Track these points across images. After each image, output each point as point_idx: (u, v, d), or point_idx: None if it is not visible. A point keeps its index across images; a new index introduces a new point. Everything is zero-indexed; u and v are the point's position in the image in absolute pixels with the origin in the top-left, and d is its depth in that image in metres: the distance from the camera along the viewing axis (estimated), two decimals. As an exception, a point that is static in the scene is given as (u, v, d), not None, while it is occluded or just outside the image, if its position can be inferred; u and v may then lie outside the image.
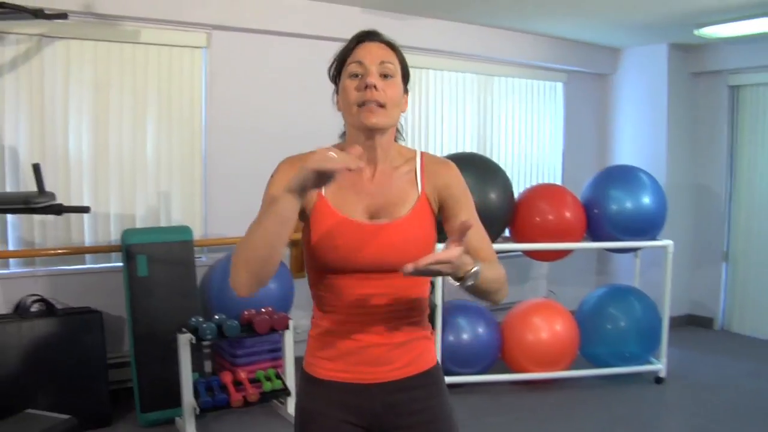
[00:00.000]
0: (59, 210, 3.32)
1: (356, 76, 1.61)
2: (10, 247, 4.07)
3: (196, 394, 3.84)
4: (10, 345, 3.71)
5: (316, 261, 1.64)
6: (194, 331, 3.80)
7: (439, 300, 4.37)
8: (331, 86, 1.72)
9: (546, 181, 6.33)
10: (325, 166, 1.39)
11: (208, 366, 4.55)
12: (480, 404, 4.44)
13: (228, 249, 4.65)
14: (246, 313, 3.99)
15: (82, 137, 4.24)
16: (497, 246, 4.73)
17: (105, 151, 4.32)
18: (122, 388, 4.23)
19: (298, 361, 4.05)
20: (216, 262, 4.58)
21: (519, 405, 4.46)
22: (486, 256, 1.65)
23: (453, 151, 5.62)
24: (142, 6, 4.25)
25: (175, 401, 3.91)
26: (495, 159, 5.80)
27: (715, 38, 5.55)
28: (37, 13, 3.50)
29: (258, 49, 4.78)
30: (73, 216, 4.18)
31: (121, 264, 4.14)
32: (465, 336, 4.57)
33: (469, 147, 5.89)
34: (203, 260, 4.67)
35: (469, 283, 1.50)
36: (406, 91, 1.71)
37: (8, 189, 4.01)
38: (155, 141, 4.49)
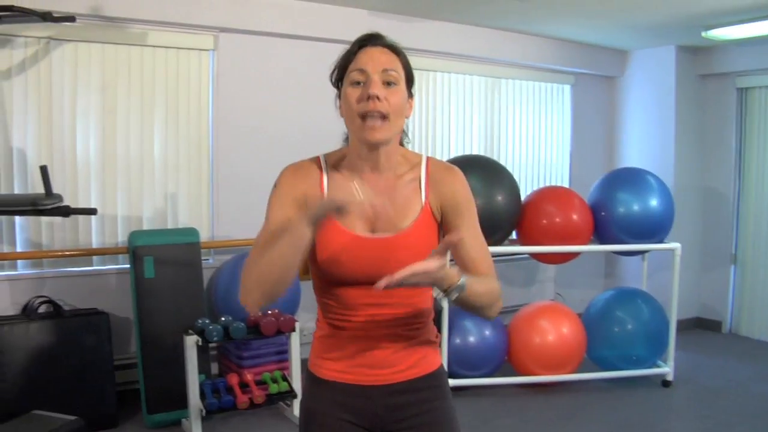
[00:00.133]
0: (66, 212, 3.33)
1: (358, 84, 1.58)
2: (18, 249, 4.09)
3: (203, 395, 3.84)
4: (17, 346, 3.72)
5: (319, 272, 1.65)
6: (201, 332, 3.80)
7: (445, 303, 4.36)
8: None
9: (553, 184, 6.32)
10: (351, 203, 1.39)
11: (214, 368, 4.56)
12: (487, 407, 4.43)
13: (235, 251, 4.65)
14: (252, 315, 4.00)
15: (90, 139, 4.26)
16: (504, 249, 4.77)
17: (112, 153, 4.33)
18: (129, 390, 4.24)
19: (305, 363, 4.04)
20: (223, 264, 4.59)
21: (526, 408, 4.45)
22: (482, 269, 1.64)
23: (460, 154, 5.62)
24: (149, 9, 4.26)
25: (182, 403, 3.91)
26: (502, 161, 5.81)
27: (723, 40, 5.52)
28: (45, 16, 3.52)
29: (265, 51, 4.79)
30: (81, 218, 4.20)
31: (128, 266, 4.15)
32: (471, 339, 4.56)
33: (476, 149, 5.88)
34: (210, 262, 4.68)
35: (454, 296, 1.48)
36: (411, 95, 1.67)
37: (16, 191, 4.03)
38: (162, 143, 4.50)
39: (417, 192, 1.65)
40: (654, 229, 4.76)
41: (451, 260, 1.65)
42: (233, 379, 4.00)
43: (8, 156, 4.02)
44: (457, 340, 4.53)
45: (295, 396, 4.08)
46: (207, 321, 3.88)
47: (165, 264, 4.11)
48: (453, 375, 4.40)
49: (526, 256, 5.27)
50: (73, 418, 3.11)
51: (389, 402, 1.68)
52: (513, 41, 5.76)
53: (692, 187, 6.35)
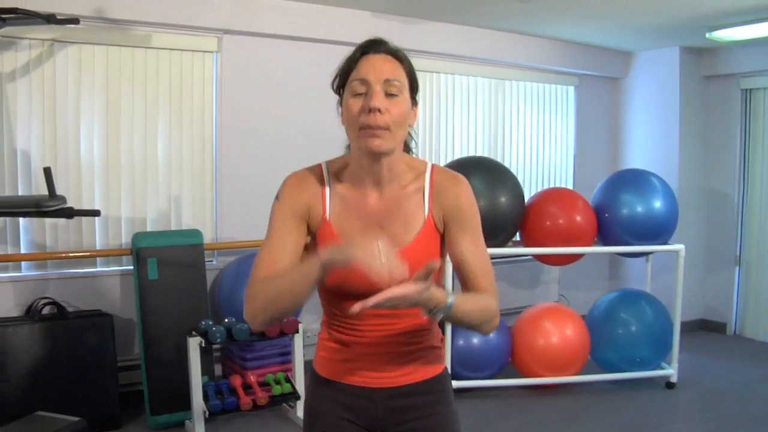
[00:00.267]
0: (70, 213, 3.33)
1: (360, 94, 1.53)
2: (22, 250, 4.10)
3: (206, 397, 3.85)
4: (21, 347, 3.73)
5: (323, 284, 1.62)
6: (204, 334, 3.81)
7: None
8: None
9: (557, 185, 6.32)
10: (370, 266, 1.34)
11: (218, 369, 4.56)
12: (490, 409, 4.43)
13: (238, 253, 4.66)
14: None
15: (94, 141, 4.27)
16: (508, 250, 4.76)
17: (116, 154, 4.34)
18: (132, 391, 4.24)
19: (308, 364, 4.06)
20: (226, 265, 4.59)
21: (529, 410, 4.44)
22: (482, 283, 1.61)
23: (463, 155, 5.62)
24: (153, 11, 4.27)
25: (185, 404, 3.92)
26: (506, 163, 5.82)
27: (727, 41, 5.51)
28: (49, 19, 3.52)
29: (269, 53, 4.79)
30: (85, 219, 4.20)
31: (131, 267, 4.16)
32: (475, 340, 4.55)
33: (480, 151, 5.88)
34: (213, 264, 4.68)
35: (439, 316, 1.45)
36: (415, 103, 1.63)
37: (21, 192, 4.05)
38: (166, 145, 4.51)
39: (420, 204, 1.63)
40: (658, 230, 4.75)
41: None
42: (236, 381, 4.01)
43: (12, 157, 4.03)
44: (461, 342, 4.52)
45: (298, 397, 4.08)
46: (210, 322, 3.88)
47: (168, 265, 4.11)
48: (456, 377, 4.39)
49: (530, 257, 5.26)
50: (76, 419, 3.11)
51: (391, 404, 1.68)
52: (516, 43, 5.75)
53: (697, 188, 6.34)
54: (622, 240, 4.76)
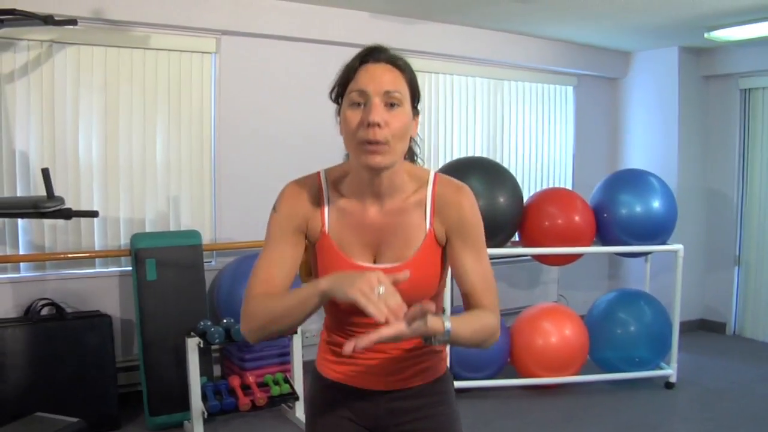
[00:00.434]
0: (68, 214, 3.33)
1: (358, 105, 1.47)
2: (21, 251, 4.11)
3: (205, 397, 3.84)
4: (20, 348, 3.73)
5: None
6: (203, 335, 3.81)
7: (448, 305, 4.36)
8: None
9: (557, 185, 6.32)
10: (366, 306, 1.29)
11: (216, 370, 4.56)
12: (489, 409, 4.43)
13: (237, 253, 4.66)
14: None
15: (92, 142, 4.27)
16: (507, 250, 4.75)
17: (115, 155, 4.35)
18: (131, 392, 4.25)
19: (306, 365, 4.08)
20: (225, 266, 4.59)
21: (528, 410, 4.44)
22: (482, 297, 1.58)
23: (462, 156, 5.62)
24: (151, 12, 4.27)
25: (184, 405, 3.92)
26: (505, 163, 5.82)
27: (726, 41, 5.51)
28: (47, 20, 3.53)
29: (267, 53, 4.79)
30: (83, 220, 4.21)
31: (130, 268, 4.16)
32: (474, 341, 4.54)
33: (479, 151, 5.88)
34: (212, 264, 4.69)
35: (436, 344, 1.41)
36: (416, 112, 1.58)
37: (19, 193, 4.05)
38: (165, 146, 4.51)
39: (422, 218, 1.58)
40: (657, 230, 4.75)
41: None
42: (235, 381, 4.01)
43: (11, 159, 4.03)
44: (460, 342, 4.51)
45: (297, 398, 4.08)
46: (209, 323, 3.89)
47: (167, 266, 4.12)
48: (455, 377, 4.33)
49: (529, 257, 5.26)
50: (75, 420, 3.12)
51: (392, 406, 1.68)
52: (515, 43, 5.76)
53: (696, 188, 6.34)
54: (621, 240, 4.76)
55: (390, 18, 5.04)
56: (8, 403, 3.61)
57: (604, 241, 4.87)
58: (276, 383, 4.10)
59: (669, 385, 4.78)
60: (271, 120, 4.83)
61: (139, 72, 4.39)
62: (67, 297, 4.13)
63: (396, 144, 1.48)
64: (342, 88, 1.52)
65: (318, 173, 1.64)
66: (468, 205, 1.59)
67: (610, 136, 6.75)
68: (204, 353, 3.98)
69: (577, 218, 4.67)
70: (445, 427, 1.71)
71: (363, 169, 1.51)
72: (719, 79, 6.27)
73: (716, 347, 5.93)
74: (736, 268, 6.30)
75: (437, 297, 1.67)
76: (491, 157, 5.81)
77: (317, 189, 1.61)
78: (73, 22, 3.77)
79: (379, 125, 1.44)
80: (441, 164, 5.18)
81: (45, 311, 3.97)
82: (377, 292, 1.31)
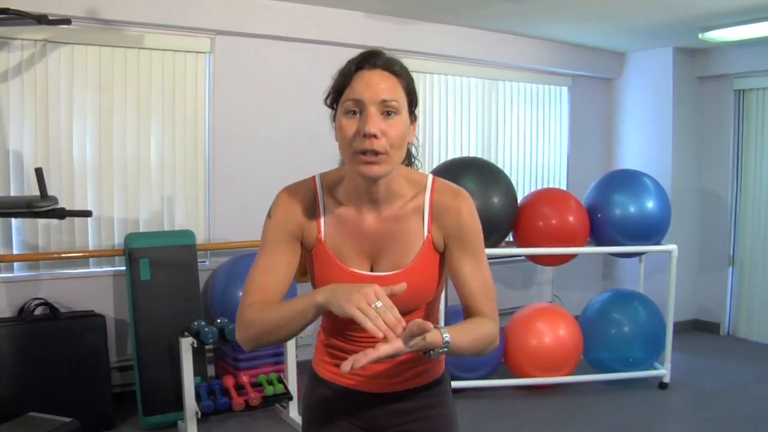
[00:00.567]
0: (62, 214, 3.33)
1: (354, 113, 1.44)
2: (15, 251, 4.09)
3: (198, 397, 3.84)
4: (13, 348, 3.73)
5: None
6: (196, 334, 3.81)
7: (441, 305, 4.36)
8: None
9: (551, 186, 6.33)
10: (364, 323, 1.28)
11: (210, 370, 4.55)
12: (483, 409, 4.43)
13: (231, 253, 4.65)
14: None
15: (86, 142, 4.26)
16: (501, 251, 4.76)
17: (109, 155, 4.34)
18: (125, 392, 4.25)
19: (301, 365, 4.08)
20: (219, 266, 4.58)
21: (522, 410, 4.45)
22: (481, 304, 1.56)
23: (457, 156, 5.62)
24: (145, 11, 4.26)
25: (178, 405, 3.92)
26: (500, 163, 5.82)
27: (720, 42, 5.53)
28: (41, 19, 3.52)
29: (262, 53, 4.79)
30: (77, 220, 4.20)
31: (124, 268, 4.15)
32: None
33: (473, 151, 5.88)
34: (206, 264, 4.68)
35: (436, 356, 1.39)
36: (414, 118, 1.55)
37: (13, 193, 4.04)
38: (159, 145, 4.51)
39: (419, 224, 1.56)
40: (651, 230, 4.76)
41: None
42: (229, 381, 4.00)
43: (5, 158, 4.02)
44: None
45: (290, 398, 4.08)
46: (203, 323, 3.89)
47: (161, 266, 4.11)
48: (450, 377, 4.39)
49: (523, 258, 5.27)
50: (69, 420, 3.13)
51: (389, 408, 1.68)
52: (510, 43, 5.76)
53: (690, 188, 6.35)
54: (615, 240, 4.77)
55: (384, 18, 5.04)
56: (2, 403, 3.60)
57: (599, 242, 4.87)
58: (270, 383, 4.10)
59: (663, 386, 4.79)
60: (265, 120, 4.83)
61: (134, 72, 4.38)
62: (61, 297, 4.12)
63: (393, 153, 1.45)
64: (337, 94, 1.49)
65: (313, 178, 1.62)
66: (467, 210, 1.57)
67: (605, 137, 6.76)
68: (198, 353, 3.98)
69: (571, 218, 4.68)
70: (443, 429, 1.70)
71: (359, 178, 1.48)
72: (713, 79, 6.28)
73: (710, 347, 5.95)
74: (730, 268, 6.32)
75: (434, 302, 1.67)
76: (486, 157, 5.82)
77: (312, 195, 1.59)
78: (66, 21, 3.77)
79: (375, 136, 1.41)
80: (435, 164, 5.19)
81: (39, 311, 3.96)
82: (375, 307, 1.29)
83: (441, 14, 5.13)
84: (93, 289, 4.26)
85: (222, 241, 4.69)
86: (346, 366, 1.27)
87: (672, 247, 4.73)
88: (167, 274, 4.14)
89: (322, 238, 1.57)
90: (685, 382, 4.90)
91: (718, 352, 5.82)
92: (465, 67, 5.75)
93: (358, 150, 1.42)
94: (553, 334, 4.63)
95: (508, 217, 4.62)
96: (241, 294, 1.59)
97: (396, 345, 1.29)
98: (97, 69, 4.26)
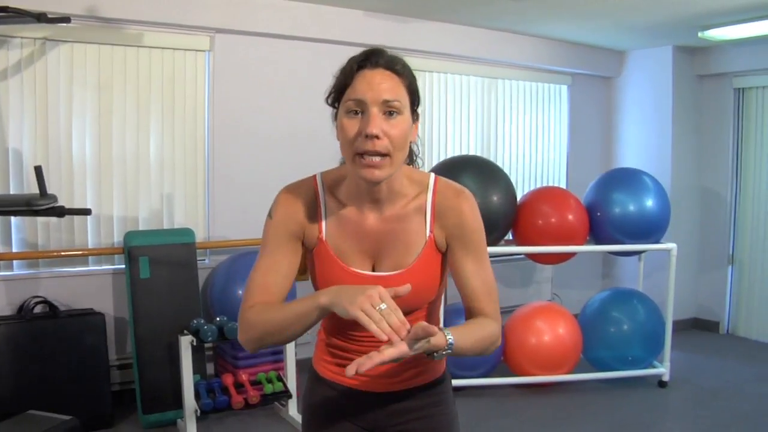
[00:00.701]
0: (61, 212, 3.33)
1: (356, 113, 1.43)
2: (14, 249, 4.09)
3: (198, 396, 3.84)
4: (13, 346, 3.73)
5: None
6: (195, 333, 3.81)
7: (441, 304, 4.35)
8: None
9: (550, 184, 6.33)
10: (368, 325, 1.27)
11: (210, 368, 4.55)
12: (483, 407, 4.43)
13: (231, 251, 4.65)
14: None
15: (86, 140, 4.26)
16: (501, 249, 4.76)
17: (108, 153, 4.33)
18: (125, 390, 4.25)
19: (300, 363, 4.08)
20: (218, 264, 4.58)
21: (522, 408, 4.45)
22: (483, 304, 1.56)
23: (456, 154, 5.61)
24: (145, 10, 4.26)
25: (177, 403, 3.93)
26: (499, 162, 5.82)
27: (720, 40, 5.52)
28: (40, 17, 3.52)
29: (261, 52, 4.79)
30: (76, 218, 4.20)
31: (123, 266, 4.15)
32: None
33: (472, 150, 5.88)
34: (206, 263, 4.68)
35: (438, 358, 1.40)
36: (416, 118, 1.54)
37: (12, 191, 4.03)
38: (158, 143, 4.50)
39: (421, 224, 1.55)
40: (650, 229, 4.76)
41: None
42: (228, 380, 4.01)
43: (4, 156, 4.02)
44: (453, 341, 4.52)
45: (290, 396, 4.08)
46: (202, 321, 3.89)
47: (160, 264, 4.11)
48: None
49: (523, 256, 5.27)
50: (68, 417, 3.12)
51: (390, 407, 1.67)
52: (510, 42, 5.76)
53: (689, 187, 6.35)
54: (614, 239, 4.77)
55: (384, 16, 5.04)
56: (1, 401, 3.61)
57: (598, 240, 4.88)
58: (269, 381, 4.10)
59: (662, 384, 4.79)
60: (265, 118, 4.83)
61: (133, 70, 4.38)
62: (60, 295, 4.12)
63: (396, 154, 1.44)
64: (338, 93, 1.47)
65: (314, 177, 1.60)
66: (469, 210, 1.56)
67: (604, 135, 6.76)
68: (197, 351, 3.98)
69: (570, 217, 4.68)
70: (443, 428, 1.70)
71: (361, 180, 1.47)
72: (713, 78, 6.28)
73: (709, 346, 5.95)
74: (730, 267, 6.32)
75: (436, 301, 1.66)
76: (485, 155, 5.82)
77: (313, 194, 1.58)
78: (66, 19, 3.76)
79: (377, 137, 1.40)
80: (435, 162, 5.18)
81: (38, 309, 3.96)
82: (379, 309, 1.28)
83: (440, 12, 5.13)
84: (92, 288, 4.26)
85: (221, 240, 4.69)
86: (350, 370, 1.27)
87: (671, 245, 4.73)
88: (167, 272, 4.14)
89: (324, 238, 1.56)
90: (684, 381, 4.90)
91: (718, 350, 5.82)
92: (464, 65, 5.74)
93: (359, 151, 1.41)
94: (553, 332, 4.63)
95: (507, 216, 4.62)
96: (240, 292, 1.59)
97: (401, 348, 1.29)
98: (96, 67, 4.25)
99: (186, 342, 3.76)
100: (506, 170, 5.04)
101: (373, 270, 1.57)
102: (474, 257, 1.57)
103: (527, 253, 4.90)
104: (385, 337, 1.26)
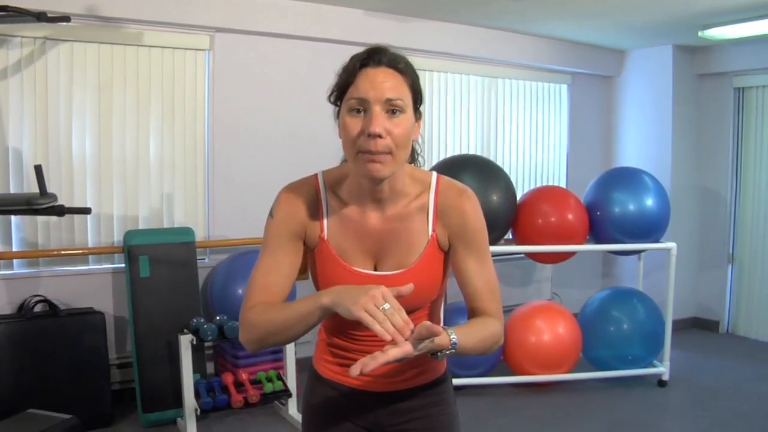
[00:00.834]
0: (61, 211, 3.33)
1: (358, 112, 1.41)
2: (14, 248, 4.09)
3: (198, 394, 3.85)
4: (13, 345, 3.73)
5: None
6: (195, 332, 3.81)
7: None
8: None
9: (550, 183, 6.33)
10: (372, 326, 1.26)
11: (210, 367, 4.56)
12: (482, 407, 4.44)
13: (231, 250, 4.65)
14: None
15: (86, 139, 4.26)
16: (500, 248, 4.76)
17: (108, 152, 4.33)
18: (125, 389, 4.25)
19: (300, 362, 4.09)
20: (218, 263, 4.58)
21: (521, 407, 4.45)
22: (486, 304, 1.56)
23: (456, 153, 5.62)
24: (145, 9, 4.26)
25: (177, 402, 3.93)
26: (499, 161, 5.83)
27: (720, 40, 5.52)
28: (40, 17, 3.52)
29: (261, 51, 4.79)
30: (77, 217, 4.20)
31: (123, 265, 4.15)
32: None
33: (472, 149, 5.88)
34: (206, 262, 4.68)
35: (441, 357, 1.40)
36: (419, 116, 1.51)
37: (12, 190, 4.04)
38: (158, 143, 4.50)
39: (424, 223, 1.54)
40: (650, 228, 4.76)
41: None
42: (228, 378, 4.01)
43: (4, 155, 4.02)
44: (453, 340, 4.52)
45: (290, 395, 4.08)
46: (202, 320, 3.89)
47: (160, 263, 4.11)
48: (448, 374, 4.39)
49: (522, 255, 5.27)
50: (68, 416, 3.12)
51: (390, 407, 1.67)
52: (510, 41, 5.76)
53: (689, 186, 6.35)
54: (614, 238, 4.77)
55: (384, 16, 5.04)
56: (1, 400, 3.61)
57: (598, 239, 4.88)
58: (269, 380, 4.10)
59: (662, 383, 4.80)
60: (265, 117, 4.83)
61: (133, 69, 4.38)
62: (61, 294, 4.12)
63: (399, 152, 1.43)
64: (341, 92, 1.46)
65: (315, 176, 1.59)
66: (471, 209, 1.56)
67: (604, 134, 6.76)
68: (197, 350, 3.98)
69: (570, 216, 4.68)
70: (444, 428, 1.70)
71: (363, 177, 1.46)
72: (713, 77, 6.28)
73: (709, 345, 5.95)
74: (730, 266, 6.32)
75: (437, 300, 1.66)
76: (485, 154, 5.82)
77: (315, 193, 1.57)
78: (66, 18, 3.76)
79: (380, 136, 1.39)
80: (435, 161, 5.18)
81: (38, 308, 3.96)
82: (382, 309, 1.28)
83: (441, 12, 5.13)
84: (92, 287, 4.27)
85: (221, 239, 4.69)
86: (355, 370, 1.26)
87: (671, 244, 4.73)
88: (167, 271, 4.14)
89: (325, 237, 1.55)
90: (684, 380, 4.91)
91: (717, 349, 5.83)
92: (464, 64, 5.74)
93: (362, 149, 1.41)
94: (552, 331, 4.63)
95: (507, 215, 4.62)
96: (240, 292, 1.59)
97: (405, 348, 1.28)
98: (96, 66, 4.25)
99: (186, 341, 3.77)
100: (506, 169, 5.04)
101: (375, 269, 1.56)
102: (477, 257, 1.57)
103: (527, 252, 4.90)
104: (389, 338, 1.26)
